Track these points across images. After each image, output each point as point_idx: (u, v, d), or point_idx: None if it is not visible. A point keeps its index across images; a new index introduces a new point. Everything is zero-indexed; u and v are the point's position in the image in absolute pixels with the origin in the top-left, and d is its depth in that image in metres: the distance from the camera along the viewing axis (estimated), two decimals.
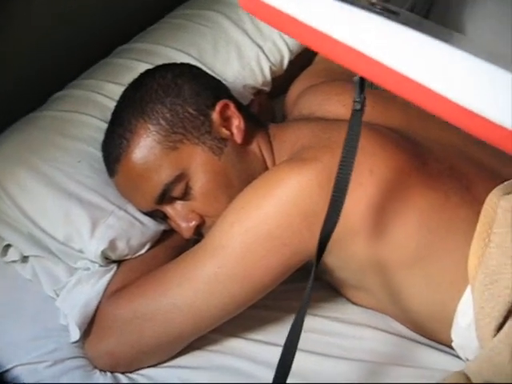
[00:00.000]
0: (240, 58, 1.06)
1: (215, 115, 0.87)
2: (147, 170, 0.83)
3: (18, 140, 0.93)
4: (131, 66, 1.02)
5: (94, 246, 0.83)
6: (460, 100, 0.43)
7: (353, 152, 0.62)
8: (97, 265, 0.84)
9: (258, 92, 1.08)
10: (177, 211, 0.86)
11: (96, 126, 0.94)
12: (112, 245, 0.83)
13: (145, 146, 0.83)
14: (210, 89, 0.89)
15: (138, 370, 0.83)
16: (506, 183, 0.78)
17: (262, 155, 0.90)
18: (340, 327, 0.89)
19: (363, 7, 0.50)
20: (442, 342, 0.85)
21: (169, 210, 0.86)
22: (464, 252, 0.76)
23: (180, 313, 0.78)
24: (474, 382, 0.74)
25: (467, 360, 0.80)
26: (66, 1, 1.02)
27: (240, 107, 0.91)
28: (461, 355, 0.82)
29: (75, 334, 0.80)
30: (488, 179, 0.81)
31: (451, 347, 0.83)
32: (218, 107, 0.87)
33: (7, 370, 0.78)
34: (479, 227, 0.76)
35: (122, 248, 0.85)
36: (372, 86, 0.58)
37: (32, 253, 0.87)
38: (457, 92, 0.44)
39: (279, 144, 0.90)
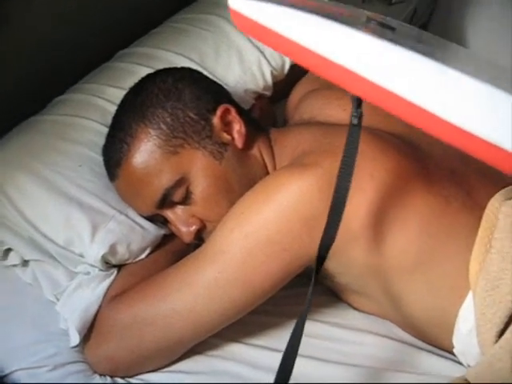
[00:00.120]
0: (241, 62, 1.06)
1: (216, 120, 0.87)
2: (148, 174, 0.83)
3: (19, 144, 0.93)
4: (132, 70, 1.02)
5: (95, 251, 0.83)
6: (453, 120, 0.43)
7: (351, 166, 0.62)
8: (97, 269, 0.84)
9: (259, 96, 1.08)
10: (177, 216, 0.86)
11: (97, 131, 0.94)
12: (112, 249, 0.83)
13: (145, 151, 0.83)
14: (211, 93, 0.89)
15: (137, 374, 0.82)
16: (507, 188, 0.78)
17: (263, 160, 0.90)
18: (341, 333, 0.88)
19: (355, 26, 0.50)
20: (443, 347, 0.85)
21: (169, 214, 0.86)
22: (465, 257, 0.76)
23: (180, 318, 0.77)
24: None
25: (468, 366, 0.80)
26: (66, 4, 1.02)
27: (241, 112, 0.91)
28: (462, 361, 0.82)
29: (75, 339, 0.79)
30: (489, 184, 0.81)
31: (453, 353, 0.82)
32: (218, 112, 0.87)
33: (7, 375, 0.77)
34: (480, 232, 0.76)
35: (122, 252, 0.84)
36: None
37: (32, 257, 0.86)
38: (451, 112, 0.44)
39: (280, 149, 0.90)
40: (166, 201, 0.84)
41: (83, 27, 1.05)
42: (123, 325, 0.79)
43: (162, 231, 0.90)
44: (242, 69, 1.06)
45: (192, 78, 0.90)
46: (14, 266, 0.89)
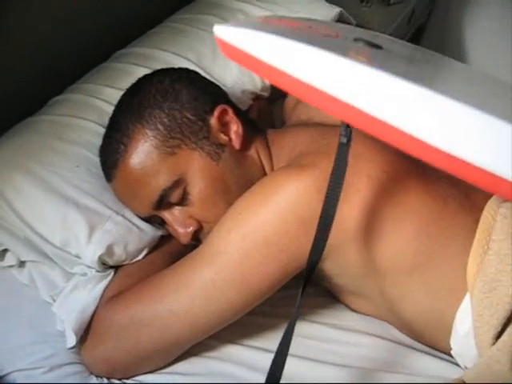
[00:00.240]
0: None
1: (213, 120, 0.86)
2: (145, 175, 0.83)
3: (16, 144, 0.92)
4: (130, 71, 1.02)
5: (91, 252, 0.82)
6: (440, 145, 0.44)
7: (339, 186, 0.63)
8: (94, 270, 0.84)
9: (256, 97, 1.08)
10: (174, 217, 0.86)
11: (94, 131, 0.94)
12: (109, 250, 0.83)
13: (142, 151, 0.83)
14: (209, 94, 0.89)
15: (134, 376, 0.82)
16: None
17: (261, 161, 0.90)
18: (338, 334, 0.88)
19: (340, 51, 0.50)
20: (441, 349, 0.85)
21: (166, 215, 0.86)
22: (463, 259, 0.76)
23: (177, 319, 0.77)
24: None
25: (466, 368, 0.80)
26: (65, 5, 1.02)
27: (238, 112, 0.90)
28: (459, 363, 0.82)
29: (72, 340, 0.79)
30: None
31: (450, 355, 0.82)
32: (216, 112, 0.87)
33: (3, 376, 0.77)
34: (478, 234, 0.76)
35: (119, 253, 0.84)
36: None
37: (29, 258, 0.86)
38: (439, 139, 0.44)
39: (277, 150, 0.90)
40: (163, 202, 0.84)
41: (81, 27, 1.05)
42: (120, 326, 0.79)
43: (159, 232, 0.89)
44: (239, 69, 1.05)
45: (189, 78, 0.90)
46: (11, 266, 0.88)
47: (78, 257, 0.84)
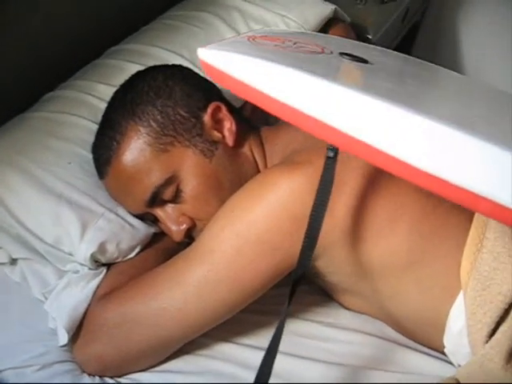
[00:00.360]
0: None
1: (207, 117, 0.86)
2: (138, 172, 0.82)
3: (8, 141, 0.92)
4: (123, 67, 1.01)
5: (84, 249, 0.82)
6: (422, 166, 0.44)
7: (325, 201, 0.64)
8: (86, 268, 0.83)
9: None
10: (167, 214, 0.86)
11: (87, 128, 0.93)
12: (102, 248, 0.82)
13: (135, 148, 0.82)
14: (202, 91, 0.89)
15: (127, 374, 0.82)
16: None
17: (254, 158, 0.90)
18: (331, 332, 0.88)
19: (322, 73, 0.51)
20: (434, 348, 0.85)
21: (159, 212, 0.86)
22: (456, 257, 0.76)
23: (170, 316, 0.77)
24: None
25: (459, 366, 0.80)
26: (59, 0, 1.01)
27: (232, 110, 0.90)
28: (453, 361, 0.82)
29: (63, 338, 0.79)
30: None
31: (443, 353, 0.82)
32: (209, 109, 0.86)
33: None
34: (472, 232, 0.76)
35: (111, 251, 0.84)
36: None
37: (21, 255, 0.85)
38: (425, 161, 0.44)
39: (271, 147, 0.90)
40: (156, 199, 0.84)
41: (74, 23, 1.05)
42: (112, 324, 0.78)
43: (152, 230, 0.89)
44: None
45: (183, 75, 0.90)
46: (2, 264, 0.88)
47: (70, 254, 0.83)
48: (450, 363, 0.83)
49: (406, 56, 0.81)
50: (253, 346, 0.86)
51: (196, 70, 0.97)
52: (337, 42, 0.84)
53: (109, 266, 0.86)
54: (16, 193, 0.85)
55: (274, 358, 0.64)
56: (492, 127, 0.50)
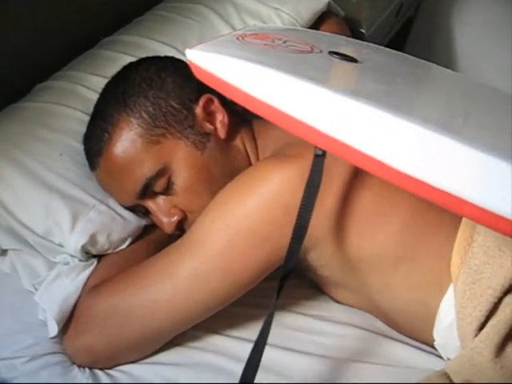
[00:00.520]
0: None
1: (199, 109, 0.86)
2: (129, 163, 0.82)
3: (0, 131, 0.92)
4: (116, 58, 1.01)
5: (74, 240, 0.81)
6: (410, 172, 0.45)
7: (314, 194, 0.64)
8: (77, 259, 0.83)
9: None
10: (159, 206, 0.85)
11: (79, 119, 0.93)
12: (92, 239, 0.82)
13: (127, 140, 0.82)
14: (194, 83, 0.87)
15: (117, 366, 0.81)
16: None
17: (246, 151, 0.89)
18: (322, 325, 0.88)
19: (310, 75, 0.51)
20: (424, 341, 0.85)
21: (151, 204, 0.86)
22: (447, 252, 0.76)
23: (160, 308, 0.77)
24: (454, 381, 0.74)
25: (448, 359, 0.80)
26: None
27: (224, 102, 0.90)
28: (442, 355, 0.82)
29: (53, 329, 0.78)
30: None
31: (433, 347, 0.83)
32: (201, 101, 0.86)
33: None
34: (462, 227, 0.77)
35: (102, 243, 0.83)
36: None
37: (11, 246, 0.85)
38: (415, 167, 0.45)
39: (263, 140, 0.90)
40: (147, 191, 0.84)
41: (67, 13, 1.04)
42: (103, 315, 0.78)
43: (144, 222, 0.89)
44: None
45: (175, 67, 0.89)
46: None
47: (60, 245, 0.83)
48: (440, 357, 0.83)
49: (399, 53, 0.81)
50: (245, 338, 0.86)
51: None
52: (328, 39, 0.83)
53: (99, 257, 0.85)
54: (6, 183, 0.85)
55: (261, 351, 0.64)
56: (481, 129, 0.50)
